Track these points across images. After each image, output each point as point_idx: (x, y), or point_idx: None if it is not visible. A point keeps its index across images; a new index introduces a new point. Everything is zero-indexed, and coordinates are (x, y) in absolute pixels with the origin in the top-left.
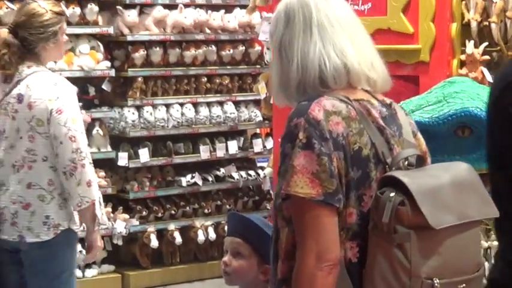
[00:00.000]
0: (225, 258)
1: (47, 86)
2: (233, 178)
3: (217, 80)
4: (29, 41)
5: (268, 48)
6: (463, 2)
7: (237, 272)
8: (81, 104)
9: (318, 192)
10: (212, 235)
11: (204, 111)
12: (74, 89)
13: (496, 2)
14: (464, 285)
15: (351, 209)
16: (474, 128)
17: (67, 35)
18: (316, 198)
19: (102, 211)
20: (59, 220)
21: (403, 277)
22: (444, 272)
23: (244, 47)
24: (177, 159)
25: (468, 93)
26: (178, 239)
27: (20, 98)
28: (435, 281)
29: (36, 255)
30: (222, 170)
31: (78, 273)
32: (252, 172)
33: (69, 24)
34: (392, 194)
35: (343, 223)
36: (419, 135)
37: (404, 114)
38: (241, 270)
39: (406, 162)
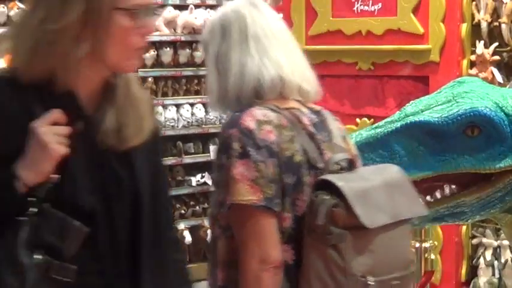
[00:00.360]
0: None
1: None
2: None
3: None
4: None
5: None
6: (473, 3)
7: None
8: None
9: (259, 198)
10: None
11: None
12: None
13: (506, 3)
14: (398, 282)
15: (286, 214)
16: (483, 128)
17: None
18: (258, 204)
19: None
20: None
21: (339, 276)
22: (378, 270)
23: None
24: (187, 159)
25: (477, 93)
26: (188, 238)
27: None
28: (369, 279)
29: None
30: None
31: None
32: None
33: None
34: (326, 197)
35: (279, 227)
36: (349, 139)
37: (333, 120)
38: None
39: (338, 166)
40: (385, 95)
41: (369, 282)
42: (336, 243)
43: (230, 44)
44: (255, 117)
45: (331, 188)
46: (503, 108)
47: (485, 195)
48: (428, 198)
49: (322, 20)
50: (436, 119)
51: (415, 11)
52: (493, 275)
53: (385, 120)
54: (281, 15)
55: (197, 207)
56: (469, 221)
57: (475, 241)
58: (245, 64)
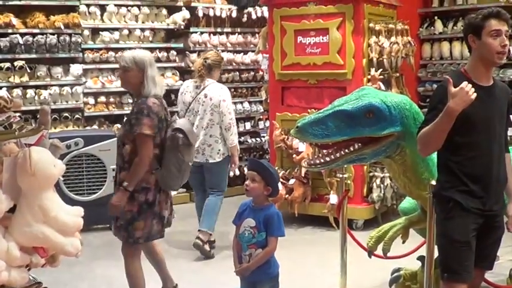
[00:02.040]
0: (247, 182)
1: (218, 89)
2: (248, 142)
3: (240, 90)
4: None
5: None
6: (369, 48)
7: (252, 190)
8: None
9: (152, 132)
10: (237, 172)
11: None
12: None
13: (386, 48)
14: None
15: (158, 138)
16: (375, 113)
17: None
18: (151, 135)
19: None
20: (224, 151)
21: (180, 162)
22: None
23: (253, 72)
24: None
25: (372, 95)
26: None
27: (206, 95)
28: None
29: (213, 167)
30: (242, 138)
31: None
32: (258, 139)
33: (159, 61)
34: (179, 134)
35: (154, 143)
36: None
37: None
38: (254, 189)
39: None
40: (323, 97)
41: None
42: (181, 150)
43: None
44: (153, 101)
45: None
46: (385, 102)
47: (377, 149)
48: (347, 150)
49: (290, 57)
50: (350, 108)
51: (339, 52)
52: (380, 192)
53: (323, 109)
54: (267, 55)
55: None
56: (368, 162)
57: (371, 174)
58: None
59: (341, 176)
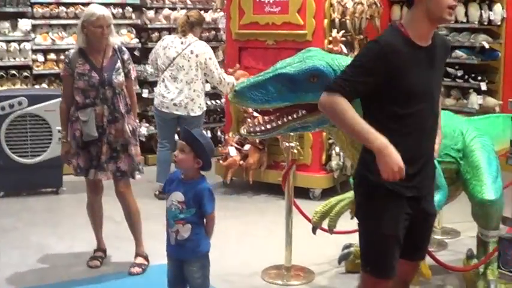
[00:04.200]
0: (175, 153)
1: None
2: (207, 104)
3: None
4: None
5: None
6: (331, 8)
7: (180, 162)
8: None
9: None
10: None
11: None
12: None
13: (349, 8)
14: None
15: None
16: (319, 77)
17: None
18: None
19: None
20: (203, 106)
21: None
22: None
23: (215, 32)
24: None
25: (317, 57)
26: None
27: (192, 52)
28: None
29: (193, 121)
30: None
31: None
32: (218, 101)
33: (114, 17)
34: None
35: None
36: None
37: None
38: (183, 161)
39: None
40: (281, 58)
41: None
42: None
43: None
44: None
45: None
46: (332, 66)
47: (321, 116)
48: (289, 118)
49: (247, 16)
50: (293, 71)
51: (299, 11)
52: (340, 160)
53: (264, 72)
54: (224, 12)
55: None
56: (312, 131)
57: (330, 141)
58: None
59: (287, 144)
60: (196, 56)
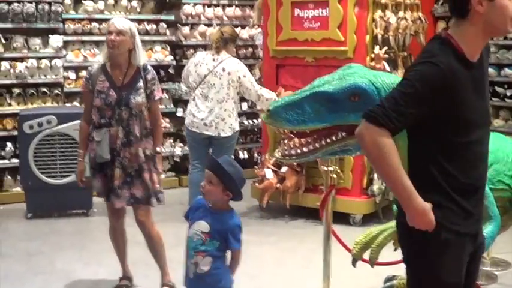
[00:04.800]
0: (202, 183)
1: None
2: (244, 124)
3: None
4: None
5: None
6: (373, 23)
7: (208, 194)
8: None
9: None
10: (245, 155)
11: None
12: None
13: (392, 24)
14: None
15: None
16: (361, 96)
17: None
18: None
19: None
20: (235, 126)
21: None
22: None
23: (252, 49)
24: None
25: (358, 74)
26: None
27: (224, 69)
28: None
29: (225, 141)
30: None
31: None
32: (255, 121)
33: (148, 34)
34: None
35: None
36: None
37: None
38: (211, 192)
39: None
40: (321, 76)
41: None
42: None
43: None
44: None
45: None
46: (374, 83)
47: None
48: (328, 140)
49: (286, 32)
50: (332, 89)
51: (339, 27)
52: (382, 183)
53: (300, 90)
54: (261, 29)
55: None
56: (353, 155)
57: None
58: None
59: (326, 168)
60: (229, 73)
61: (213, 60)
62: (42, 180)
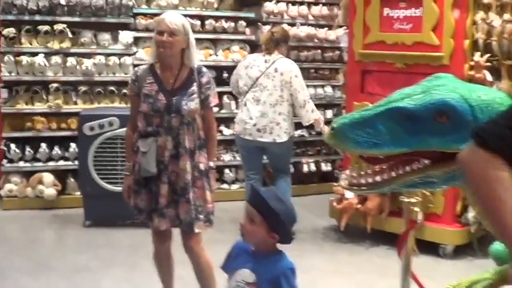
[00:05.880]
0: (242, 221)
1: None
2: None
3: (321, 72)
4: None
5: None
6: (474, 26)
7: (249, 235)
8: None
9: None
10: (313, 168)
11: (312, 90)
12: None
13: (496, 27)
14: None
15: None
16: (450, 116)
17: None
18: None
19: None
20: (290, 130)
21: None
22: None
23: (339, 51)
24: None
25: (448, 87)
26: (291, 169)
27: (276, 70)
28: None
29: (281, 147)
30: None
31: None
32: None
33: (225, 32)
34: None
35: None
36: None
37: None
38: (253, 233)
39: None
40: (412, 85)
41: None
42: None
43: None
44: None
45: None
46: (468, 100)
47: (451, 170)
48: (406, 169)
49: (373, 33)
50: (413, 105)
51: (434, 29)
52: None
53: (374, 104)
54: (347, 30)
55: (297, 150)
56: (437, 189)
57: None
58: None
59: (406, 200)
60: (281, 74)
61: (265, 61)
62: (102, 187)
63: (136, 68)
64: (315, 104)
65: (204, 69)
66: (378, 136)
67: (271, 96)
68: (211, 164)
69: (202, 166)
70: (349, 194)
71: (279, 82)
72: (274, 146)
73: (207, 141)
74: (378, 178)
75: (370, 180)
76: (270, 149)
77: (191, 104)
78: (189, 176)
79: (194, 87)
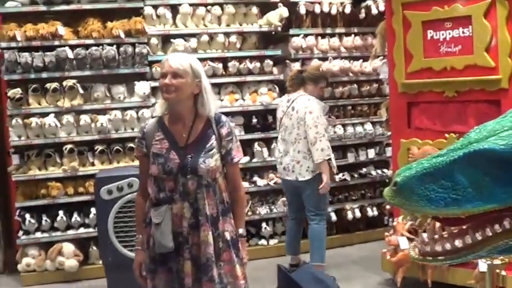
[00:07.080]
0: None
1: (305, 101)
2: (371, 174)
3: (359, 108)
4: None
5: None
6: None
7: None
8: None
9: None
10: (358, 214)
11: (350, 129)
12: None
13: None
14: None
15: None
16: None
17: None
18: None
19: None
20: (314, 168)
21: None
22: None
23: (377, 84)
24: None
25: None
26: (334, 217)
27: (293, 108)
28: None
29: (305, 186)
30: (364, 169)
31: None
32: (385, 170)
33: (251, 73)
34: None
35: None
36: None
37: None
38: None
39: None
40: (466, 116)
41: None
42: None
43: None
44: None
45: None
46: None
47: None
48: (496, 227)
49: (417, 60)
50: (502, 147)
51: (488, 50)
52: None
53: (448, 148)
54: (385, 60)
55: (340, 196)
56: None
57: None
58: None
59: (487, 263)
60: (297, 112)
61: (287, 101)
62: (125, 255)
63: (143, 124)
64: (355, 144)
65: (224, 118)
66: (458, 190)
67: (290, 135)
68: (241, 231)
69: (228, 235)
70: (404, 244)
71: (295, 120)
72: (299, 185)
73: (233, 205)
74: (458, 243)
75: (448, 246)
76: (299, 189)
77: (210, 161)
78: (211, 249)
79: (213, 141)
